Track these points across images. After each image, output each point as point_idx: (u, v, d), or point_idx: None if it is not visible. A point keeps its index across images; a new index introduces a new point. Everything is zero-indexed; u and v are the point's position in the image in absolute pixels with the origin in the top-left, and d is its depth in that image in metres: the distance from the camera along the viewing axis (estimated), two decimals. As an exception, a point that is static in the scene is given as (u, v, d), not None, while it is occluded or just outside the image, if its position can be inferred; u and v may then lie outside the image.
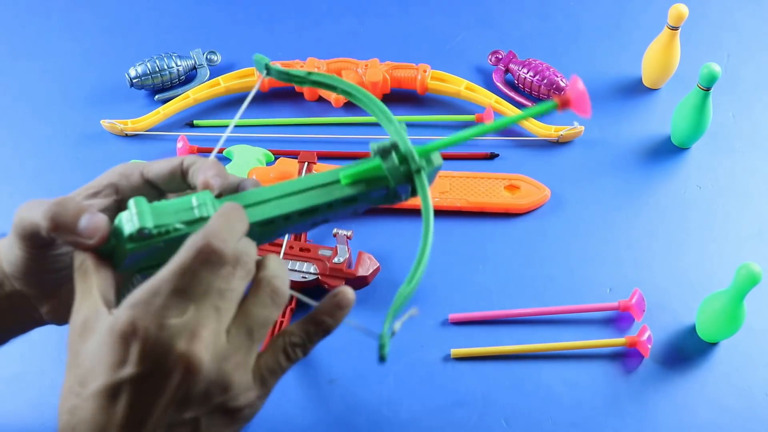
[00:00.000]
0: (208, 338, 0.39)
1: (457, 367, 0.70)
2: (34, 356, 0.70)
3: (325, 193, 0.46)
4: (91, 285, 0.42)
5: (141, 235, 0.42)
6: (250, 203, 0.45)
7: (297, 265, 0.72)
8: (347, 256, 0.72)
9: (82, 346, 0.41)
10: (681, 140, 0.86)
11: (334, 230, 0.71)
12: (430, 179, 0.47)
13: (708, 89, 0.79)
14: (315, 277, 0.71)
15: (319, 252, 0.73)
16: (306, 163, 0.80)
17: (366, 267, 0.72)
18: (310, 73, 0.53)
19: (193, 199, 0.44)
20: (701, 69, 0.78)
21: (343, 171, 0.46)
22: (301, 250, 0.73)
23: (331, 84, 0.52)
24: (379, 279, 0.74)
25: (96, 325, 0.40)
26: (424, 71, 0.89)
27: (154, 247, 0.43)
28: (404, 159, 0.45)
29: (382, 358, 0.42)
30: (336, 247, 0.73)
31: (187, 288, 0.39)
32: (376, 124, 0.89)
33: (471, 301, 0.74)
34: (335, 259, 0.72)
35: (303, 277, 0.72)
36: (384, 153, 0.45)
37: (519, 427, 0.66)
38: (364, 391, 0.68)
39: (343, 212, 0.48)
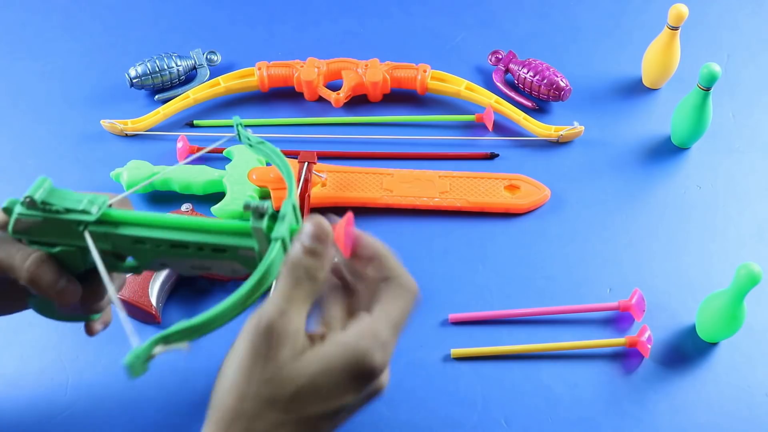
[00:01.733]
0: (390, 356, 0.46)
1: (457, 367, 0.70)
2: (34, 356, 0.70)
3: (199, 235, 0.49)
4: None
5: (28, 202, 0.49)
6: (124, 221, 0.50)
7: None
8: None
9: (282, 358, 0.43)
10: (681, 140, 0.86)
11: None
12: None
13: (708, 89, 0.79)
14: None
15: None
16: (306, 163, 0.80)
17: None
18: (260, 142, 0.57)
19: (87, 199, 0.50)
20: (701, 69, 0.78)
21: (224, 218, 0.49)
22: None
23: (266, 154, 0.56)
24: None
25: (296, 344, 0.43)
26: (424, 71, 0.89)
27: (35, 220, 0.49)
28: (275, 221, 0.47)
29: (130, 374, 0.43)
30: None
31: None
32: (376, 124, 0.89)
33: (471, 301, 0.74)
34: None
35: None
36: (256, 213, 0.46)
37: (519, 427, 0.66)
38: (364, 391, 0.68)
39: (217, 263, 0.50)
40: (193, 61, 0.92)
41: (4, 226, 0.50)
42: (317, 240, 0.45)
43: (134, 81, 0.89)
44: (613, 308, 0.72)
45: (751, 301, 0.66)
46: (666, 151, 0.87)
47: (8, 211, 0.50)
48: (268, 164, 0.83)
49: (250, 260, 0.49)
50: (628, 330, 0.72)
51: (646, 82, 0.93)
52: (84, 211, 0.49)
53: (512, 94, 0.91)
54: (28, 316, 0.72)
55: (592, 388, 0.68)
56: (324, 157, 0.84)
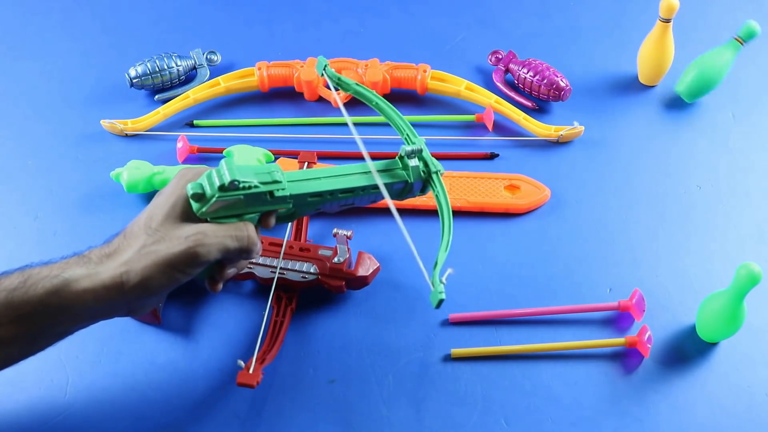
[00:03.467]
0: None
1: (457, 367, 0.70)
2: (34, 356, 0.70)
3: (361, 179, 0.62)
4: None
5: (231, 186, 0.55)
6: (305, 178, 0.61)
7: (297, 265, 0.72)
8: (347, 256, 0.72)
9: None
10: (691, 90, 0.88)
11: (334, 230, 0.71)
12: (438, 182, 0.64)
13: (743, 42, 0.85)
14: (315, 277, 0.71)
15: (319, 252, 0.73)
16: (306, 163, 0.80)
17: (366, 267, 0.72)
18: (356, 84, 0.70)
19: (268, 171, 0.58)
20: (744, 24, 0.85)
21: (377, 164, 0.63)
22: (301, 250, 0.73)
23: (369, 97, 0.69)
24: (379, 279, 0.74)
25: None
26: (424, 71, 0.89)
27: (236, 199, 0.56)
28: (425, 163, 0.64)
29: (438, 305, 0.57)
30: (336, 247, 0.72)
31: None
32: (376, 124, 0.89)
33: (471, 301, 0.74)
34: (335, 259, 0.72)
35: (303, 277, 0.71)
36: (410, 155, 0.63)
37: (519, 427, 0.66)
38: (364, 391, 0.68)
39: (368, 197, 0.64)
40: (193, 61, 0.92)
41: (177, 215, 0.56)
42: None
43: (134, 81, 0.89)
44: (613, 308, 0.72)
45: (751, 301, 0.66)
46: (666, 150, 0.87)
47: (198, 196, 0.55)
48: (267, 164, 0.83)
49: (399, 190, 0.65)
50: (628, 330, 0.72)
51: (642, 79, 0.93)
52: (275, 182, 0.58)
53: (512, 94, 0.91)
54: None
55: (592, 388, 0.68)
56: (324, 157, 0.84)
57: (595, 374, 0.69)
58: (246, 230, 0.57)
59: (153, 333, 0.72)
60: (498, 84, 0.92)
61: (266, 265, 0.72)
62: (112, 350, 0.71)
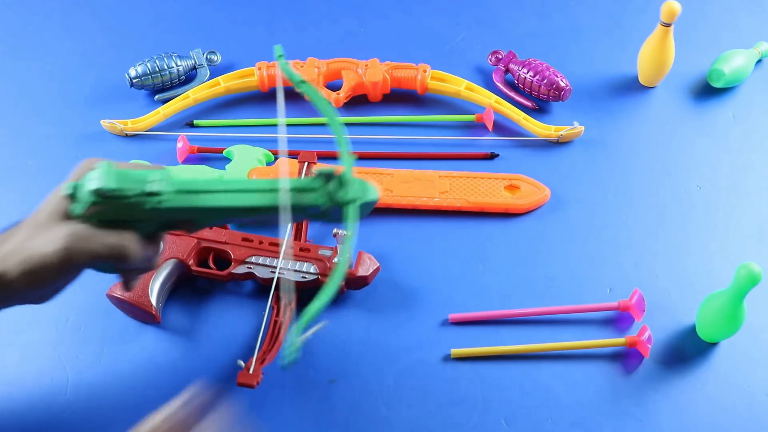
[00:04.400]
0: None
1: (457, 367, 0.70)
2: (34, 356, 0.70)
3: (263, 198, 0.53)
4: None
5: (100, 193, 0.50)
6: (200, 190, 0.53)
7: (297, 265, 0.72)
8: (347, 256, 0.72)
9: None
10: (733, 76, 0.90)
11: (334, 230, 0.71)
12: (364, 211, 0.55)
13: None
14: (315, 277, 0.71)
15: (319, 252, 0.73)
16: (306, 163, 0.80)
17: (366, 267, 0.72)
18: (303, 82, 0.62)
19: (153, 175, 0.52)
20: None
21: (288, 182, 0.53)
22: (301, 250, 0.73)
23: (314, 100, 0.60)
24: (379, 279, 0.74)
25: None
26: (424, 71, 0.89)
27: (108, 206, 0.51)
28: (341, 186, 0.53)
29: (289, 364, 0.50)
30: (336, 247, 0.72)
31: None
32: (376, 125, 0.89)
33: (471, 301, 0.74)
34: (335, 259, 0.72)
35: (303, 277, 0.72)
36: (326, 177, 0.53)
37: (519, 427, 0.66)
38: (364, 391, 0.68)
39: (276, 217, 0.54)
40: (193, 61, 0.92)
41: (61, 213, 0.52)
42: None
43: (134, 81, 0.89)
44: (613, 308, 0.72)
45: (751, 301, 0.66)
46: (666, 150, 0.87)
47: (71, 197, 0.52)
48: (268, 164, 0.83)
49: (315, 214, 0.55)
50: (628, 330, 0.72)
51: (642, 80, 0.93)
52: (151, 194, 0.51)
53: (512, 94, 0.91)
54: (28, 316, 0.72)
55: (592, 388, 0.68)
56: (324, 157, 0.84)
57: (595, 374, 0.69)
58: (124, 240, 0.52)
59: (153, 333, 0.72)
60: (498, 84, 0.92)
61: (266, 265, 0.72)
62: (112, 350, 0.71)
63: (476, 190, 0.81)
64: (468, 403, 0.67)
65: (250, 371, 0.64)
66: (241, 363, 0.64)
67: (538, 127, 0.87)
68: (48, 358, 0.70)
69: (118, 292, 0.70)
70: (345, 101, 0.88)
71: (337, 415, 0.66)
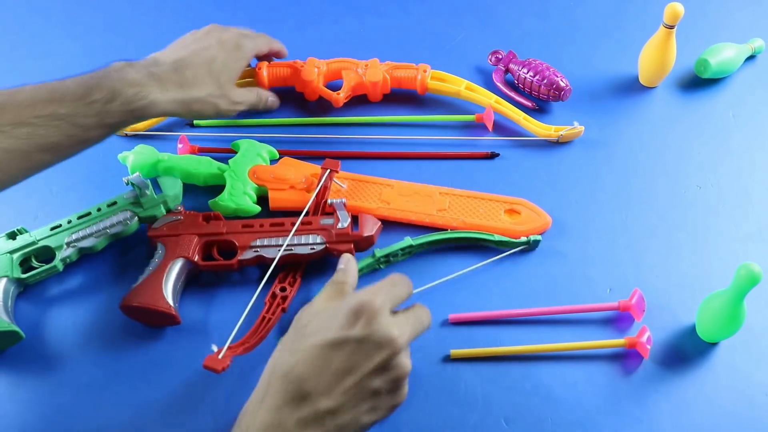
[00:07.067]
0: (408, 336, 0.56)
1: (457, 367, 0.70)
2: (34, 357, 0.70)
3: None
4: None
5: None
6: None
7: (303, 239, 0.73)
8: (349, 220, 0.74)
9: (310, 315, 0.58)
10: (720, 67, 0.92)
11: (329, 201, 0.74)
12: None
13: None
14: (323, 246, 0.73)
15: (321, 222, 0.74)
16: (328, 171, 0.78)
17: (370, 227, 0.74)
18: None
19: None
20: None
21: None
22: (303, 224, 0.74)
23: None
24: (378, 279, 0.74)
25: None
26: (424, 71, 0.89)
27: None
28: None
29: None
30: (336, 214, 0.74)
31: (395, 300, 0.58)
32: (376, 125, 0.89)
33: (471, 301, 0.74)
34: (339, 225, 0.73)
35: (312, 249, 0.73)
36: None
37: (519, 427, 0.66)
38: (364, 391, 0.68)
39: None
40: (193, 61, 0.92)
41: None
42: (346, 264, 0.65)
43: (134, 81, 0.89)
44: (613, 308, 0.72)
45: (751, 301, 0.66)
46: (666, 151, 0.87)
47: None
48: (272, 162, 0.83)
49: None
50: (628, 330, 0.72)
51: (642, 81, 0.93)
52: None
53: (512, 94, 0.91)
54: (29, 315, 0.72)
55: (592, 389, 0.68)
56: (323, 157, 0.84)
57: (595, 374, 0.69)
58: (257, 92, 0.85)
59: (153, 333, 0.72)
60: (498, 84, 0.92)
61: (272, 246, 0.73)
62: (113, 350, 0.71)
63: (475, 211, 0.79)
64: (468, 403, 0.67)
65: (220, 356, 0.64)
66: (215, 347, 0.65)
67: (538, 127, 0.87)
68: (48, 357, 0.70)
69: (135, 302, 0.70)
70: (345, 101, 0.88)
71: (337, 415, 0.66)
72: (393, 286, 0.59)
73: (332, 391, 0.53)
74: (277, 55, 0.90)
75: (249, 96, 0.82)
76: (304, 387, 0.52)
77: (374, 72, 0.88)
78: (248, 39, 0.83)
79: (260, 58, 0.89)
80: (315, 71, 0.88)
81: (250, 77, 0.90)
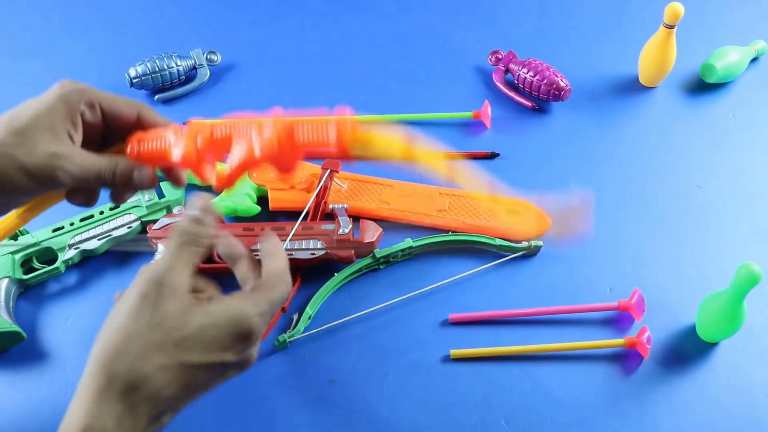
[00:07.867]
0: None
1: (457, 368, 0.70)
2: (33, 357, 0.70)
3: None
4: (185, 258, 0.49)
5: None
6: None
7: (304, 244, 0.73)
8: (351, 226, 0.74)
9: (170, 308, 0.47)
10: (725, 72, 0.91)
11: (331, 206, 0.74)
12: None
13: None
14: (324, 251, 0.73)
15: (322, 227, 0.74)
16: (328, 171, 0.78)
17: (371, 233, 0.74)
18: None
19: None
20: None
21: None
22: (303, 228, 0.74)
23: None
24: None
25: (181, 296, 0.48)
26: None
27: None
28: None
29: None
30: (337, 219, 0.74)
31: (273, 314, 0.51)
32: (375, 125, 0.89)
33: (471, 301, 0.74)
34: (340, 231, 0.73)
35: (312, 254, 0.73)
36: None
37: (519, 427, 0.66)
38: (364, 391, 0.68)
39: None
40: (193, 61, 0.92)
41: None
42: (203, 211, 0.51)
43: (134, 81, 0.89)
44: (613, 308, 0.72)
45: (751, 301, 0.66)
46: (666, 150, 0.87)
47: None
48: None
49: None
50: (628, 330, 0.72)
51: (642, 81, 0.93)
52: None
53: (512, 94, 0.91)
54: (29, 315, 0.72)
55: (592, 389, 0.68)
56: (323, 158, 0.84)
57: (595, 374, 0.69)
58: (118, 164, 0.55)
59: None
60: (498, 84, 0.92)
61: None
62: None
63: (475, 211, 0.79)
64: (468, 403, 0.67)
65: None
66: None
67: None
68: (48, 358, 0.70)
69: None
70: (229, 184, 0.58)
71: (337, 415, 0.66)
72: (274, 291, 0.51)
73: (181, 404, 0.48)
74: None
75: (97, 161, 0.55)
76: (160, 406, 0.46)
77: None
78: None
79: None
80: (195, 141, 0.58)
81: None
